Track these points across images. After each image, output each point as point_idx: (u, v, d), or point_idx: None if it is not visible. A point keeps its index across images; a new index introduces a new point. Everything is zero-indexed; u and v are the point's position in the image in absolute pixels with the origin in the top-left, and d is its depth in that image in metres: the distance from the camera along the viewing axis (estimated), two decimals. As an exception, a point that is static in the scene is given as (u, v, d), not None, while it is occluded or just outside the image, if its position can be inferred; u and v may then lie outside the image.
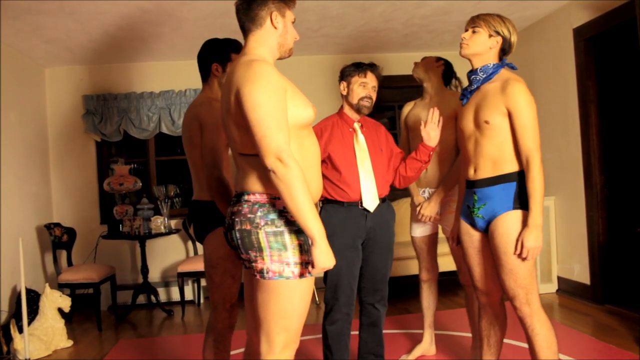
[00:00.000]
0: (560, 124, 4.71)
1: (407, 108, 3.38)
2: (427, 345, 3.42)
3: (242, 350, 3.45)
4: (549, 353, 2.29)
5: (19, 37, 4.41)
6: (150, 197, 5.43)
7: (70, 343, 4.18)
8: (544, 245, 4.79)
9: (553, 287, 4.89)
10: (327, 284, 2.80)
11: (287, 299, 1.82)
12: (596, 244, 4.36)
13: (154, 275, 5.45)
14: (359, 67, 2.85)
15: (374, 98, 2.86)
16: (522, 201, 2.28)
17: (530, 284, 2.30)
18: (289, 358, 1.88)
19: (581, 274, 4.57)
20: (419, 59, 3.33)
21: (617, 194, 4.40)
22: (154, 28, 4.45)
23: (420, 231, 3.28)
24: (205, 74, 2.62)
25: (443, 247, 4.03)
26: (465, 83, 3.20)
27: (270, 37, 1.93)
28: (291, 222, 1.82)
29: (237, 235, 1.84)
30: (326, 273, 2.74)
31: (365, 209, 2.76)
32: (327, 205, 2.77)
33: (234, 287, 2.54)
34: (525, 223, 2.25)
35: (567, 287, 4.77)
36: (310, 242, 1.77)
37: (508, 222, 2.29)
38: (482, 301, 2.56)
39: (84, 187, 5.47)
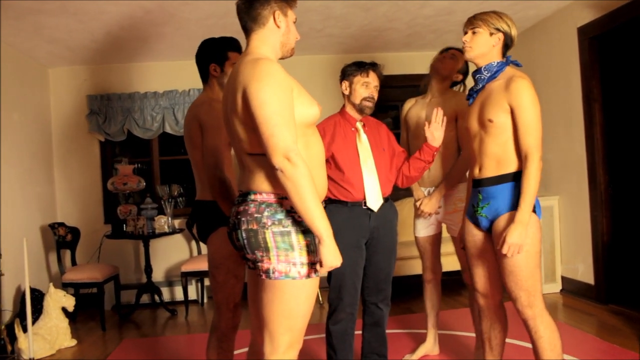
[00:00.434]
0: (565, 123, 4.70)
1: (408, 105, 3.37)
2: (431, 345, 3.41)
3: (245, 350, 3.45)
4: (553, 355, 2.27)
5: (22, 38, 4.42)
6: (154, 196, 5.43)
7: (74, 342, 4.19)
8: (547, 245, 4.79)
9: (557, 287, 4.87)
10: (331, 284, 2.79)
11: (293, 299, 1.81)
12: (600, 244, 4.34)
13: (158, 275, 5.46)
14: (361, 67, 2.83)
15: (376, 97, 2.85)
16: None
17: (532, 286, 2.27)
18: (293, 358, 1.88)
19: (585, 273, 4.56)
20: (423, 59, 3.30)
21: (621, 194, 4.39)
22: (157, 28, 4.46)
23: (424, 231, 3.27)
24: (204, 75, 2.62)
25: (447, 247, 4.02)
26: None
27: (273, 36, 1.93)
28: (298, 222, 1.82)
29: (244, 235, 1.84)
30: (330, 273, 2.74)
31: (369, 209, 2.76)
32: (330, 205, 2.76)
33: (238, 287, 2.54)
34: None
35: (571, 287, 4.76)
36: (317, 241, 1.77)
37: (510, 222, 2.27)
38: (481, 303, 2.54)
39: (88, 186, 5.49)
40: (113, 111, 5.39)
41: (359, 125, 2.85)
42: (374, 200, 2.76)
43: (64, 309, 4.18)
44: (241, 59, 1.91)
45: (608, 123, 4.35)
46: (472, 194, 2.49)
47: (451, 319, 4.17)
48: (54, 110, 5.44)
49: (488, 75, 2.37)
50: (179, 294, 5.46)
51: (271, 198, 1.84)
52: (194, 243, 5.54)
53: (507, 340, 3.30)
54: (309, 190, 1.70)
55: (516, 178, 2.30)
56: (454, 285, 5.10)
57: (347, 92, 2.86)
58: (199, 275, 5.01)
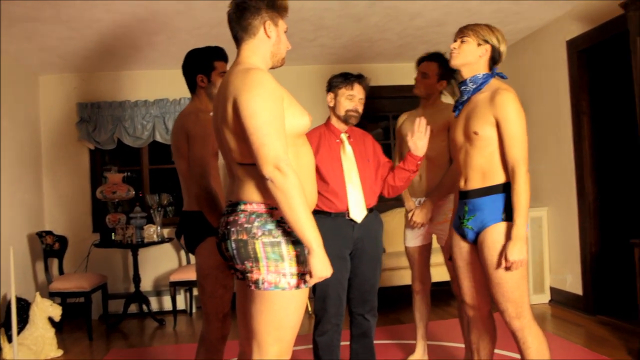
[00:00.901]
0: (553, 135, 4.73)
1: (402, 118, 3.41)
2: (420, 356, 3.40)
3: (234, 360, 3.43)
4: (542, 365, 2.28)
5: (14, 45, 4.40)
6: (143, 205, 5.40)
7: (60, 352, 4.14)
8: (536, 255, 4.81)
9: (545, 297, 4.89)
10: (315, 295, 2.79)
11: (282, 310, 1.80)
12: (588, 255, 4.37)
13: (146, 285, 5.41)
14: (346, 79, 2.82)
15: (361, 110, 2.85)
16: (510, 213, 2.27)
17: (519, 297, 2.27)
18: (282, 369, 1.87)
19: (573, 284, 4.58)
20: (414, 70, 3.30)
21: (609, 205, 4.42)
22: (149, 37, 4.46)
23: (413, 241, 3.27)
24: (192, 85, 2.62)
25: (437, 257, 4.02)
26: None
27: (264, 46, 1.93)
28: (288, 233, 1.81)
29: (233, 245, 1.83)
30: (315, 284, 2.74)
31: (352, 220, 2.76)
32: (314, 216, 2.76)
33: (226, 297, 2.53)
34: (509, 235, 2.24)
35: (559, 298, 4.78)
36: (307, 252, 1.77)
37: (495, 235, 2.28)
38: (470, 315, 2.54)
39: (77, 195, 5.44)
40: (103, 119, 5.37)
41: (343, 136, 2.85)
42: (357, 212, 2.77)
43: (50, 319, 4.13)
44: (232, 68, 1.91)
45: (596, 135, 4.39)
46: (458, 205, 2.50)
47: (440, 330, 4.17)
48: (44, 117, 5.41)
49: (473, 87, 2.38)
50: (167, 304, 5.41)
51: (261, 208, 1.84)
52: (183, 252, 5.51)
53: (496, 351, 3.30)
54: (299, 201, 1.70)
55: (501, 190, 2.30)
56: (443, 296, 5.10)
57: (331, 104, 2.86)
58: (187, 285, 4.98)
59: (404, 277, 4.78)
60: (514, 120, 2.24)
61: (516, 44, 5.22)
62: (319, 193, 2.74)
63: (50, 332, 4.07)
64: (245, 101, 1.74)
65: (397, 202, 3.65)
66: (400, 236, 3.54)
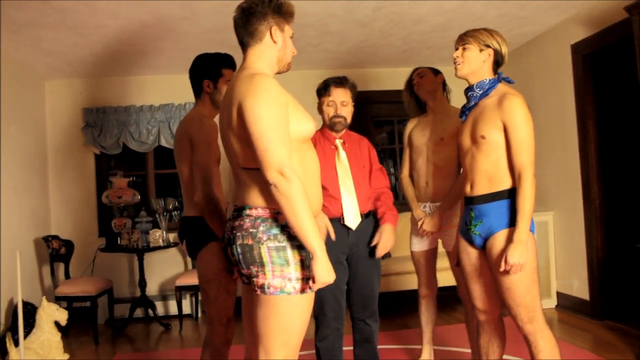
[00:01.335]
0: (559, 139, 4.72)
1: (411, 125, 3.37)
2: (426, 360, 3.40)
3: (239, 365, 3.43)
4: (552, 370, 2.27)
5: (21, 51, 4.43)
6: (148, 210, 5.42)
7: (66, 357, 4.14)
8: (542, 260, 4.79)
9: (552, 302, 4.87)
10: (314, 301, 2.78)
11: (288, 314, 1.81)
12: (595, 260, 4.35)
13: (152, 289, 5.42)
14: (324, 87, 2.83)
15: (346, 113, 2.83)
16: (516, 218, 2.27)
17: (531, 302, 2.27)
18: (288, 374, 1.86)
19: (580, 289, 4.56)
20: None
21: (616, 210, 4.40)
22: (155, 42, 4.48)
23: (419, 246, 3.27)
24: (197, 90, 2.62)
25: (443, 262, 4.00)
26: (457, 88, 3.22)
27: (270, 51, 1.94)
28: (294, 237, 1.82)
29: (239, 250, 1.83)
30: None
31: (346, 226, 2.76)
32: None
33: (230, 302, 2.53)
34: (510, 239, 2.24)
35: (566, 303, 4.75)
36: (310, 257, 1.77)
37: (503, 241, 2.27)
38: (481, 319, 2.54)
39: (83, 199, 5.47)
40: (109, 124, 5.40)
41: (337, 142, 2.85)
42: (352, 218, 2.77)
43: (56, 323, 4.14)
44: (237, 73, 1.92)
45: (602, 139, 4.37)
46: (464, 211, 2.49)
47: (446, 335, 4.15)
48: (50, 122, 5.44)
49: (480, 92, 2.38)
50: (173, 308, 5.42)
51: (266, 213, 1.84)
52: (188, 257, 5.52)
53: (505, 356, 3.29)
54: (302, 206, 1.70)
55: (510, 195, 2.30)
56: (449, 301, 5.08)
57: (320, 113, 2.87)
58: (193, 290, 4.98)
59: (410, 282, 4.76)
60: (521, 125, 2.23)
61: (520, 48, 5.22)
62: None
63: (56, 336, 4.07)
64: (250, 106, 1.74)
65: (402, 206, 3.64)
66: (406, 241, 3.53)
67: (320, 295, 2.73)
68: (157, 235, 5.01)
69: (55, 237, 4.96)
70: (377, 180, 2.95)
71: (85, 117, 5.41)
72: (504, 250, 2.25)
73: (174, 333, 4.86)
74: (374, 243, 2.80)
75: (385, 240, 2.80)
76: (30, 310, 4.30)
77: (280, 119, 1.75)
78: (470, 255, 2.47)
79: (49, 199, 5.38)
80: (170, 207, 5.23)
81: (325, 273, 1.76)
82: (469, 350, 3.35)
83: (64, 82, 5.46)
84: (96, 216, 5.50)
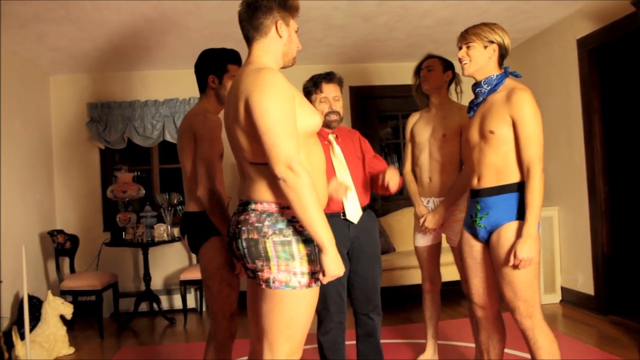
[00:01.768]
0: (564, 134, 4.71)
1: (413, 119, 3.36)
2: (430, 355, 3.40)
3: (244, 358, 3.44)
4: (552, 365, 2.27)
5: (25, 46, 4.44)
6: (153, 204, 5.43)
7: (72, 350, 4.17)
8: (547, 255, 4.79)
9: (557, 297, 4.86)
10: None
11: (293, 308, 1.81)
12: (600, 255, 4.34)
13: (157, 283, 5.44)
14: (315, 83, 2.79)
15: (339, 108, 2.81)
16: (524, 212, 2.26)
17: (531, 297, 2.27)
18: (292, 368, 1.87)
19: (585, 284, 4.55)
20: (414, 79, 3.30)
21: (621, 205, 4.39)
22: (159, 37, 4.48)
23: (423, 241, 3.27)
24: (202, 85, 2.62)
25: (447, 257, 4.00)
26: (466, 83, 3.20)
27: (275, 45, 1.94)
28: (299, 232, 1.82)
29: (244, 244, 1.83)
30: None
31: (347, 220, 2.75)
32: None
33: (233, 296, 2.53)
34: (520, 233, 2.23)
35: (570, 298, 4.75)
36: (318, 251, 1.77)
37: (509, 233, 2.27)
38: (479, 315, 2.54)
39: (88, 194, 5.48)
40: (113, 119, 5.41)
41: (331, 137, 2.84)
42: (353, 212, 2.76)
43: (62, 317, 4.16)
44: (243, 68, 1.92)
45: (608, 134, 4.36)
46: (470, 204, 2.49)
47: (451, 329, 4.16)
48: (55, 117, 5.45)
49: (488, 88, 2.38)
50: (177, 303, 5.44)
51: (272, 207, 1.84)
52: (191, 251, 5.52)
53: (506, 350, 3.29)
54: (311, 200, 1.70)
55: (516, 189, 2.30)
56: (454, 295, 5.08)
57: None
58: (197, 284, 5.00)
59: (415, 277, 4.77)
60: (530, 119, 2.23)
61: (526, 42, 5.20)
62: None
63: (62, 330, 4.10)
64: (257, 101, 1.74)
65: (407, 201, 3.65)
66: (410, 236, 3.53)
67: (323, 290, 2.73)
68: (162, 230, 5.02)
69: (61, 232, 4.98)
70: (374, 166, 2.93)
71: (90, 112, 5.42)
72: (510, 243, 2.25)
73: (179, 327, 4.88)
74: (380, 182, 2.69)
75: (390, 174, 2.67)
76: (36, 304, 4.33)
77: (288, 113, 1.75)
78: (473, 248, 2.47)
79: (54, 193, 5.40)
80: (175, 201, 5.24)
81: (335, 266, 1.76)
82: (473, 345, 3.35)
83: (69, 77, 5.47)
84: (101, 211, 5.52)
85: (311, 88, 2.80)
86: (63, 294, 4.66)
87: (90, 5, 3.68)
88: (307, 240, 1.82)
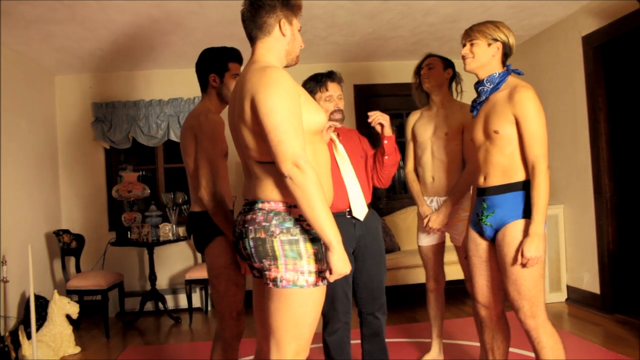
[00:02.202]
0: (570, 131, 4.69)
1: (414, 118, 3.34)
2: (436, 354, 3.39)
3: (250, 358, 3.45)
4: (557, 364, 2.26)
5: (30, 46, 4.45)
6: (158, 204, 5.44)
7: (78, 349, 4.19)
8: (553, 253, 4.77)
9: (562, 296, 4.85)
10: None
11: (300, 307, 1.81)
12: (606, 253, 4.32)
13: (162, 283, 5.46)
14: (318, 82, 2.77)
15: (342, 106, 2.81)
16: (530, 210, 2.25)
17: (535, 296, 2.26)
18: (299, 367, 1.87)
19: (591, 283, 4.54)
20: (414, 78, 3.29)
21: (627, 203, 4.37)
22: (163, 37, 4.48)
23: (427, 240, 3.26)
24: (204, 84, 2.62)
25: (451, 256, 4.01)
26: (466, 82, 3.20)
27: (278, 44, 1.94)
28: (306, 231, 1.82)
29: (251, 243, 1.83)
30: None
31: (353, 218, 2.75)
32: None
33: (239, 295, 2.54)
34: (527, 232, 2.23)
35: (576, 296, 4.73)
36: (325, 249, 1.77)
37: (515, 232, 2.27)
38: (482, 314, 2.53)
39: (93, 194, 5.50)
40: (118, 119, 5.42)
41: (333, 136, 2.84)
42: (360, 209, 2.75)
43: (68, 316, 4.18)
44: (247, 67, 1.92)
45: (613, 132, 4.34)
46: (476, 202, 2.48)
47: (456, 328, 4.15)
48: (60, 117, 5.47)
49: (491, 86, 2.37)
50: (183, 302, 5.45)
51: (279, 206, 1.84)
52: (197, 251, 5.53)
53: (511, 349, 3.29)
54: (318, 198, 1.69)
55: (522, 187, 2.29)
56: (459, 294, 5.08)
57: None
58: (203, 283, 5.00)
59: (419, 275, 4.77)
60: (533, 117, 2.22)
61: (531, 39, 5.18)
62: None
63: (68, 329, 4.12)
64: (263, 99, 1.74)
65: (411, 200, 3.64)
66: (414, 235, 3.53)
67: (330, 292, 2.72)
68: (167, 229, 5.03)
69: (66, 231, 5.00)
70: (372, 161, 2.93)
71: (95, 111, 5.44)
72: (516, 241, 2.24)
73: (184, 326, 4.89)
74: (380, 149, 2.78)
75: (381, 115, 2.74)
76: (42, 304, 4.35)
77: (294, 111, 1.75)
78: (478, 246, 2.46)
79: (59, 193, 5.42)
80: (180, 201, 5.26)
81: (342, 264, 1.76)
82: (478, 344, 3.35)
83: (74, 77, 5.48)
84: (106, 210, 5.54)
85: (315, 87, 2.78)
86: (69, 293, 4.68)
87: (95, 6, 3.69)
88: (314, 238, 1.82)
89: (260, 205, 1.86)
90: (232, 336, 2.55)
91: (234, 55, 2.61)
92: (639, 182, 4.39)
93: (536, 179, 2.21)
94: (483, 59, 2.35)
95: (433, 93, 3.20)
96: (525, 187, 2.28)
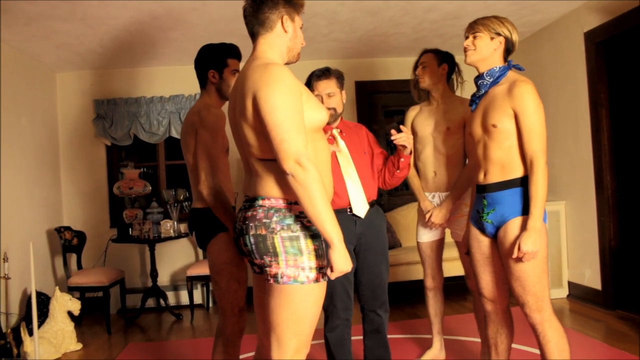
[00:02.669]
0: (571, 127, 4.68)
1: (413, 113, 3.31)
2: (437, 351, 3.39)
3: (251, 354, 3.45)
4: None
5: (31, 43, 4.45)
6: (159, 201, 5.44)
7: (79, 346, 4.20)
8: (554, 250, 4.77)
9: (564, 292, 4.85)
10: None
11: (301, 303, 1.81)
12: (607, 249, 4.32)
13: (163, 279, 5.46)
14: (307, 83, 2.78)
15: (335, 104, 2.78)
16: (529, 206, 2.25)
17: (540, 291, 2.26)
18: (300, 363, 1.87)
19: (592, 279, 4.54)
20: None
21: (628, 199, 4.36)
22: (164, 33, 4.48)
23: (426, 236, 3.25)
24: (203, 80, 2.62)
25: (451, 252, 3.99)
26: (467, 76, 3.18)
27: (280, 40, 1.93)
28: (307, 227, 1.82)
29: (252, 240, 1.84)
30: None
31: (354, 215, 2.75)
32: None
33: (241, 292, 2.54)
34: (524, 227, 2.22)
35: (578, 292, 4.74)
36: (326, 246, 1.77)
37: (515, 229, 2.26)
38: (488, 309, 2.53)
39: (94, 190, 5.51)
40: (119, 115, 5.42)
41: (335, 132, 2.83)
42: (360, 207, 2.75)
43: (69, 313, 4.19)
44: (249, 63, 1.91)
45: (615, 128, 4.33)
46: (476, 199, 2.48)
47: (457, 324, 4.15)
48: (61, 114, 5.47)
49: (490, 80, 2.36)
50: (184, 298, 5.46)
51: (280, 203, 1.84)
52: (199, 248, 5.54)
53: (515, 345, 3.29)
54: (319, 195, 1.69)
55: (523, 183, 2.29)
56: (459, 291, 5.08)
57: None
58: (204, 280, 5.01)
59: (421, 272, 4.74)
60: (532, 112, 2.21)
61: (533, 36, 5.17)
62: None
63: (69, 326, 4.13)
64: (265, 96, 1.74)
65: (413, 196, 3.64)
66: (415, 231, 3.52)
67: (330, 287, 2.72)
68: (168, 226, 5.04)
69: (68, 228, 5.00)
70: (380, 163, 2.93)
71: (96, 108, 5.44)
72: (517, 238, 2.24)
73: (186, 323, 4.90)
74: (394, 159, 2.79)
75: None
76: (44, 301, 4.36)
77: (296, 109, 1.75)
78: (481, 243, 2.46)
79: (60, 190, 5.43)
80: (181, 197, 5.26)
81: (343, 262, 1.76)
82: (479, 340, 3.35)
83: (75, 74, 5.48)
84: (108, 207, 5.54)
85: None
86: (70, 290, 4.69)
87: (96, 2, 3.68)
88: (314, 235, 1.82)
89: (260, 202, 1.86)
90: (234, 332, 2.55)
91: (232, 51, 2.60)
92: (640, 179, 4.39)
93: (534, 174, 2.21)
94: (485, 52, 2.34)
95: (431, 90, 3.18)
96: (524, 183, 2.28)
